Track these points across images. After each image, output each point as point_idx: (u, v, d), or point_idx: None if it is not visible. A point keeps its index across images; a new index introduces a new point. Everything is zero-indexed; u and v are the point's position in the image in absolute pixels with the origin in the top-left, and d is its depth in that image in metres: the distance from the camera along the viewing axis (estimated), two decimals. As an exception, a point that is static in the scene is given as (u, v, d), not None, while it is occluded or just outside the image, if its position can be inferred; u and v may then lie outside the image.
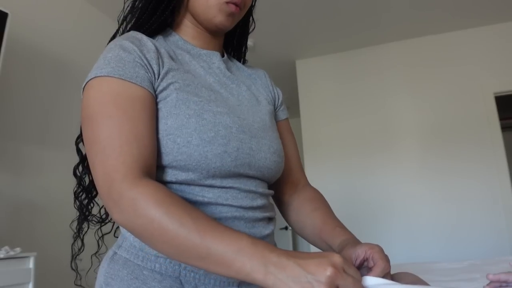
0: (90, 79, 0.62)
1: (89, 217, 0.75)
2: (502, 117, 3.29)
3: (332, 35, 3.33)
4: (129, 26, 0.76)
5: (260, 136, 0.71)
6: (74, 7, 2.54)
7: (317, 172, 3.49)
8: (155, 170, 0.61)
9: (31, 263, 1.49)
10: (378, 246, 0.63)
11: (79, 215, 0.75)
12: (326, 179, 3.46)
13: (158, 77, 0.65)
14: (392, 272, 0.65)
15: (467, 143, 3.12)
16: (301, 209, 0.81)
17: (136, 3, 0.77)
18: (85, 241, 0.74)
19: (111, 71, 0.60)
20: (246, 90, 0.78)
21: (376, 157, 3.35)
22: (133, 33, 0.69)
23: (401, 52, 3.44)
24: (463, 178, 3.09)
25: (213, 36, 0.77)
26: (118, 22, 0.79)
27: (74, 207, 0.74)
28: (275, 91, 0.88)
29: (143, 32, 0.72)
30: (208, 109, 0.64)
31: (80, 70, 2.53)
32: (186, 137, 0.61)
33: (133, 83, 0.61)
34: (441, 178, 3.14)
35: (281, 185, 0.84)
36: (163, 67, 0.66)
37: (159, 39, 0.74)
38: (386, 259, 0.62)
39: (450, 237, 3.05)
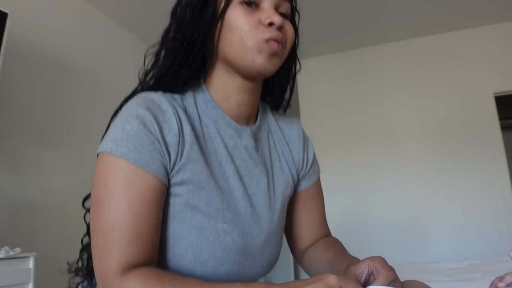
0: (105, 153, 0.58)
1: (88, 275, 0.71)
2: (502, 117, 3.28)
3: (332, 35, 3.32)
4: (152, 81, 0.68)
5: (259, 253, 0.68)
6: (74, 7, 2.54)
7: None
8: (155, 260, 0.60)
9: (31, 263, 1.49)
10: (379, 257, 0.63)
11: (80, 275, 0.72)
12: (325, 179, 3.46)
13: (174, 167, 0.61)
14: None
15: (467, 143, 3.12)
16: (317, 256, 0.79)
17: (160, 60, 0.68)
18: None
19: (127, 153, 0.57)
20: (266, 177, 0.72)
21: (376, 157, 3.35)
22: (159, 99, 0.62)
23: (401, 52, 3.44)
24: (463, 178, 3.09)
25: (250, 88, 0.68)
26: (139, 77, 0.70)
27: (77, 266, 0.71)
28: (306, 156, 0.81)
29: (169, 87, 0.65)
30: (212, 225, 0.62)
31: (80, 70, 2.53)
32: (181, 251, 0.61)
33: (147, 172, 0.57)
34: (441, 178, 3.14)
35: (301, 241, 0.82)
36: (181, 156, 0.61)
37: (188, 97, 0.66)
38: (389, 267, 0.62)
39: (450, 237, 3.05)
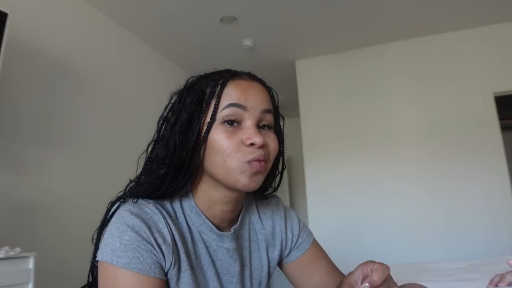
0: (106, 263, 0.61)
1: None
2: (502, 117, 3.28)
3: (332, 35, 3.33)
4: (142, 191, 0.69)
5: None
6: (74, 7, 2.54)
7: (317, 172, 3.49)
8: None
9: (31, 263, 1.49)
10: (370, 260, 0.65)
11: None
12: (325, 178, 3.46)
13: (166, 274, 0.65)
14: (399, 280, 0.66)
15: (466, 143, 3.12)
16: None
17: (150, 172, 0.69)
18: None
19: (129, 263, 0.60)
20: (243, 272, 0.76)
21: (375, 157, 3.35)
22: (151, 210, 0.66)
23: (401, 52, 3.44)
24: (463, 178, 3.09)
25: (234, 197, 0.71)
26: (126, 190, 0.71)
27: None
28: (291, 233, 0.84)
29: (159, 196, 0.68)
30: None
31: (80, 70, 2.53)
32: None
33: (151, 276, 0.61)
34: (441, 178, 3.14)
35: None
36: (174, 266, 0.65)
37: (176, 202, 0.71)
38: (381, 263, 0.63)
39: (450, 237, 3.05)
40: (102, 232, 0.67)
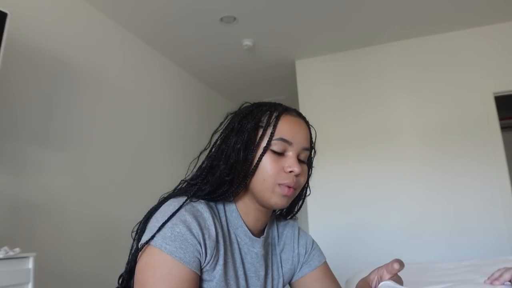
0: (155, 247, 0.71)
1: None
2: (502, 117, 3.28)
3: (332, 35, 3.32)
4: (198, 191, 0.80)
5: None
6: (73, 7, 2.54)
7: (316, 172, 3.48)
8: None
9: (30, 264, 1.49)
10: (384, 264, 0.73)
11: None
12: (325, 178, 3.46)
13: (207, 264, 0.75)
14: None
15: (467, 143, 3.12)
16: None
17: (209, 178, 0.81)
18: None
19: (174, 252, 0.70)
20: (266, 278, 0.88)
21: (375, 157, 3.34)
22: (202, 209, 0.77)
23: (401, 52, 3.44)
24: (463, 178, 3.09)
25: (265, 212, 0.85)
26: (177, 188, 0.85)
27: None
28: (303, 250, 0.96)
29: (210, 199, 0.80)
30: None
31: (79, 70, 2.53)
32: None
33: (188, 267, 0.71)
34: (441, 178, 3.14)
35: None
36: (213, 259, 0.76)
37: (220, 208, 0.83)
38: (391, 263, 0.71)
39: (449, 237, 3.05)
40: (147, 221, 0.78)
